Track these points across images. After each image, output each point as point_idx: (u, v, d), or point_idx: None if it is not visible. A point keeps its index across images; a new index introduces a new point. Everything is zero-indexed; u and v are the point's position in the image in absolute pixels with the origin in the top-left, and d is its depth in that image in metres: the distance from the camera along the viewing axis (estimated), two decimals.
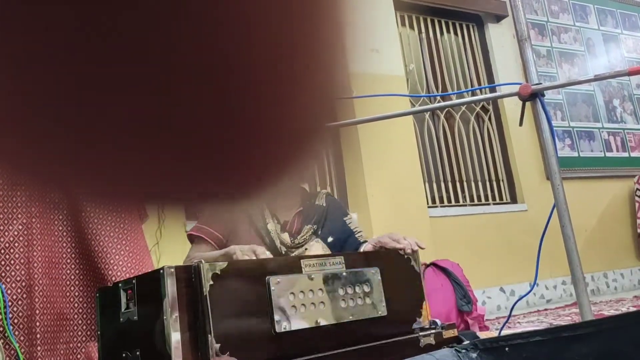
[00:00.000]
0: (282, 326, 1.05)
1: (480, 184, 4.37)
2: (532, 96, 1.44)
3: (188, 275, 1.00)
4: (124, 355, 1.07)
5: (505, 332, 1.78)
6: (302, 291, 1.11)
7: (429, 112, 4.22)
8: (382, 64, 3.80)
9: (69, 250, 2.12)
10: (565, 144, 4.71)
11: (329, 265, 1.18)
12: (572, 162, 4.67)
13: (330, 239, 1.72)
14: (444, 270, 2.13)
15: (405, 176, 3.70)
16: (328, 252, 1.68)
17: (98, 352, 1.19)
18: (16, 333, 1.94)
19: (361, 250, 1.67)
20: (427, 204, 3.87)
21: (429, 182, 4.07)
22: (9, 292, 1.96)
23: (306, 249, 1.69)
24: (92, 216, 2.09)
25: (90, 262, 2.09)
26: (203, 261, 0.99)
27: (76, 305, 2.11)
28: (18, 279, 1.99)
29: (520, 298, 1.92)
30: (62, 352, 2.04)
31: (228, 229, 1.78)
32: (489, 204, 4.33)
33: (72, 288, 2.11)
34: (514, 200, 4.44)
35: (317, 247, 1.69)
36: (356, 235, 1.76)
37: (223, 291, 1.00)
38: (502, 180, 4.48)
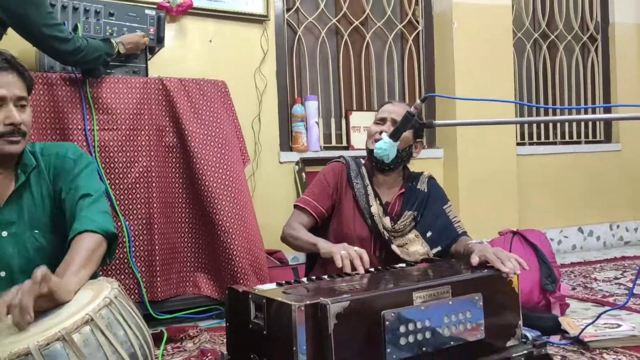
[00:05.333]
0: (392, 357, 1.19)
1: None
2: None
3: (315, 311, 1.14)
4: (252, 356, 1.26)
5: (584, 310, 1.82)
6: (412, 321, 1.23)
7: (530, 42, 4.01)
8: None
9: (181, 191, 2.31)
10: None
11: (438, 295, 1.29)
12: None
13: (429, 234, 1.81)
14: (531, 245, 2.17)
15: (498, 111, 3.61)
16: (427, 248, 1.78)
17: (226, 337, 1.39)
18: (138, 265, 2.19)
19: (459, 246, 1.75)
20: (517, 140, 3.81)
21: (521, 116, 3.97)
22: (132, 228, 2.19)
23: (406, 243, 1.79)
24: (202, 163, 2.24)
25: (199, 205, 2.27)
26: (330, 301, 1.12)
27: (186, 240, 2.33)
28: (139, 216, 2.21)
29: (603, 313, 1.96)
30: (174, 281, 2.30)
31: (333, 205, 1.89)
32: (580, 143, 4.21)
33: (183, 225, 2.32)
34: (608, 139, 4.29)
35: (416, 242, 1.79)
36: (454, 226, 1.84)
37: (345, 328, 1.14)
38: None
